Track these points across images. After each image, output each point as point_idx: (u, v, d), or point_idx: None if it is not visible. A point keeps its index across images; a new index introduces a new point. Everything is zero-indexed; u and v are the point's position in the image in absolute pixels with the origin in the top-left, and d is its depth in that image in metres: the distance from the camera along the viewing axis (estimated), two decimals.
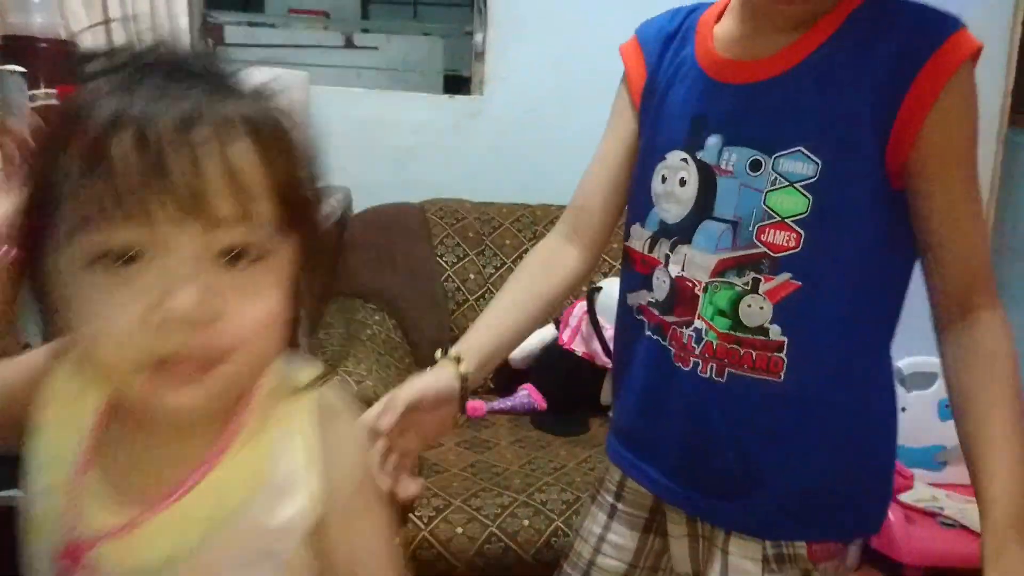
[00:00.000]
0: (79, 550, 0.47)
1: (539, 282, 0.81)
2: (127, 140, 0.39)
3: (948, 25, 0.63)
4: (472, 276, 1.65)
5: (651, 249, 0.74)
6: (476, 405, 1.52)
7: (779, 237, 0.66)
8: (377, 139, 1.81)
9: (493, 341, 0.77)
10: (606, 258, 1.69)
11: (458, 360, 0.73)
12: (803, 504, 0.70)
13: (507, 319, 0.79)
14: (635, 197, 0.77)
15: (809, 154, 0.64)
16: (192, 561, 0.47)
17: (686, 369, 0.71)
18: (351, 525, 0.50)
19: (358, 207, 1.72)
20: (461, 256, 1.66)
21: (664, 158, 0.72)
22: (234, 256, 0.42)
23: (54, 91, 1.44)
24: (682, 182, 0.70)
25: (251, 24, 2.25)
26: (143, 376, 0.42)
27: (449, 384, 0.71)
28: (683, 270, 0.71)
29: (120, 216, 0.40)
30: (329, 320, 1.35)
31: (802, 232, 0.65)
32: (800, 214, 0.65)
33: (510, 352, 0.84)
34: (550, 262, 0.82)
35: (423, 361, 1.53)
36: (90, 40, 1.59)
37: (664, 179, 0.72)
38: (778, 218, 0.65)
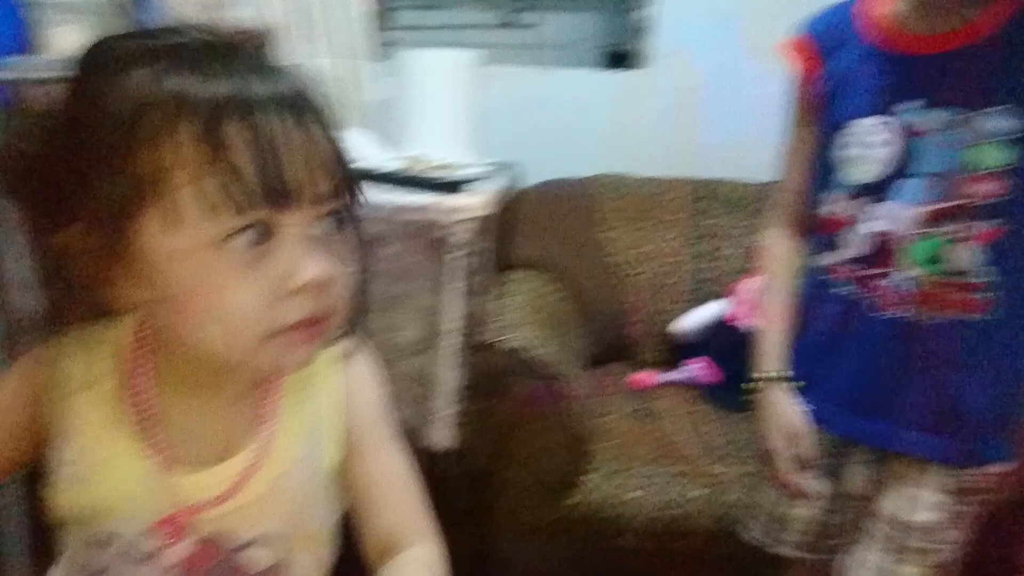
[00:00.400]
0: (181, 518, 0.51)
1: (786, 273, 0.92)
2: (243, 131, 0.43)
3: None
4: (636, 251, 1.65)
5: (846, 210, 0.81)
6: (643, 377, 1.53)
7: (984, 187, 0.74)
8: (547, 115, 1.85)
9: (784, 344, 0.89)
10: None
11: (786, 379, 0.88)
12: (998, 431, 0.79)
13: (781, 317, 0.90)
14: (825, 166, 0.84)
15: (1015, 109, 0.72)
16: (271, 510, 0.53)
17: (883, 316, 0.78)
18: (373, 455, 0.55)
19: (530, 181, 1.76)
20: (626, 231, 1.66)
21: (856, 125, 0.79)
22: (335, 225, 0.47)
23: None
24: (882, 143, 0.77)
25: (420, 7, 2.35)
26: (264, 344, 0.46)
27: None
28: (884, 224, 0.78)
29: (249, 200, 0.43)
30: (506, 289, 1.40)
31: (1008, 180, 0.73)
32: (1006, 164, 0.73)
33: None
34: (785, 251, 0.92)
35: (592, 333, 1.56)
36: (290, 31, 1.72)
37: (858, 144, 0.79)
38: (983, 169, 0.73)
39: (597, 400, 1.42)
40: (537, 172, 1.77)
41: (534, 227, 1.64)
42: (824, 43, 0.84)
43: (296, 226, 0.45)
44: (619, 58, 1.98)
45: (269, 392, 0.54)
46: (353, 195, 0.49)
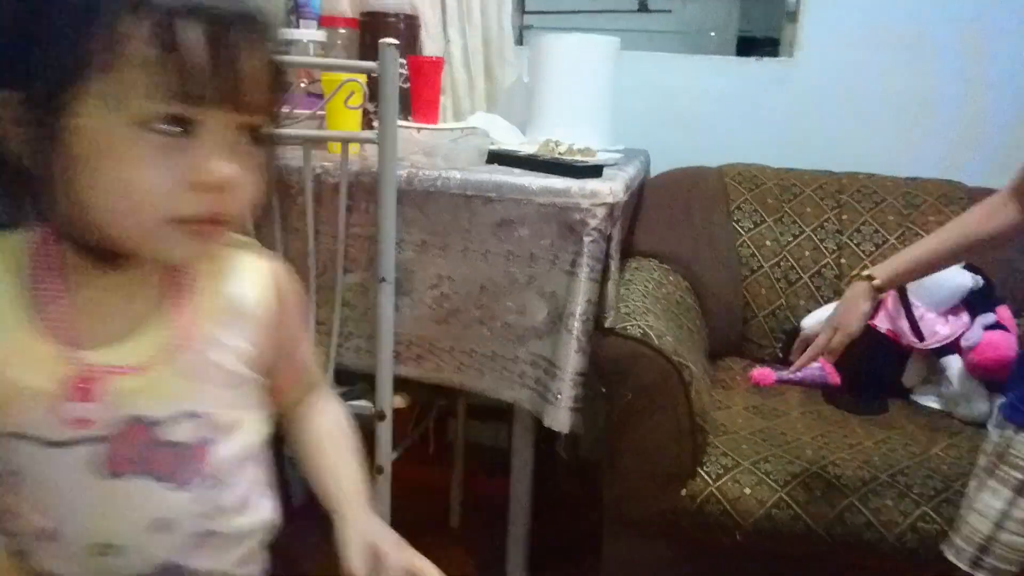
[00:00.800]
0: (89, 383, 0.53)
1: (970, 221, 0.98)
2: (198, 30, 0.46)
3: None
4: (768, 243, 1.62)
5: None
6: (764, 373, 1.51)
7: None
8: (677, 103, 1.83)
9: (906, 261, 1.02)
10: (923, 234, 1.58)
11: (870, 278, 1.02)
12: None
13: (926, 243, 1.01)
14: None
15: None
16: (171, 381, 0.56)
17: None
18: (289, 323, 0.64)
19: (656, 170, 1.76)
20: (758, 222, 1.63)
21: None
22: (253, 141, 0.52)
23: (403, 60, 1.63)
24: None
25: None
26: (173, 229, 0.50)
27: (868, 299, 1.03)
28: None
29: (183, 93, 0.47)
30: (628, 277, 1.41)
31: None
32: None
33: (928, 274, 1.05)
34: (989, 209, 0.96)
35: (713, 325, 1.55)
36: (431, 15, 1.78)
37: None
38: None
39: (717, 394, 1.42)
40: (668, 159, 1.77)
41: (661, 215, 1.63)
42: None
43: (216, 129, 0.50)
44: (757, 45, 1.93)
45: (182, 277, 0.58)
46: (275, 118, 0.54)
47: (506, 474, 1.42)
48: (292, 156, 1.16)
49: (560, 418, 1.15)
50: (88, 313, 0.55)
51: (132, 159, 0.48)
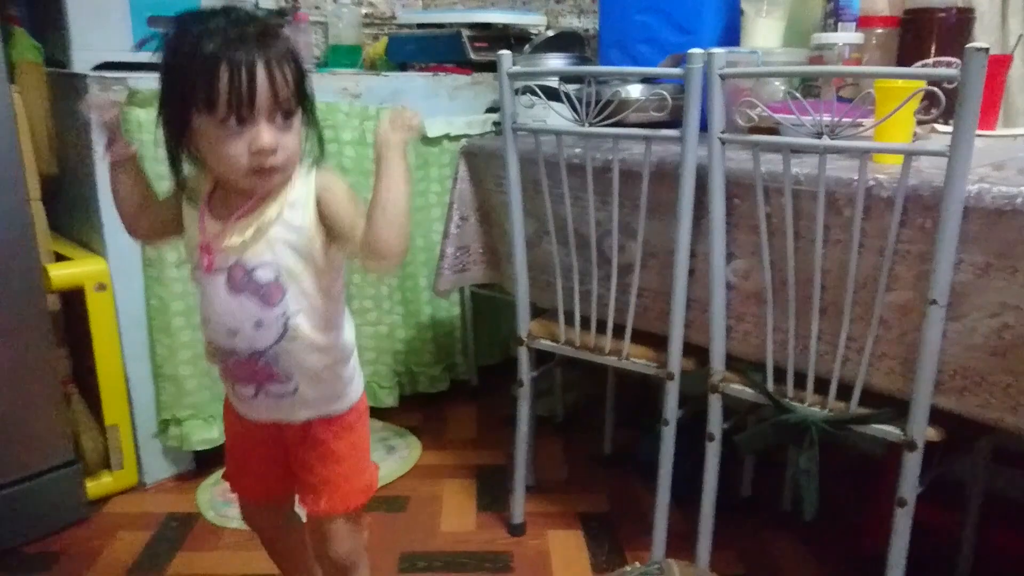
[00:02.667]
0: (207, 245, 1.00)
1: None
2: (238, 76, 0.88)
3: None
4: None
5: None
6: None
7: None
8: None
9: None
10: None
11: None
12: None
13: None
14: None
15: None
16: (256, 246, 0.99)
17: None
18: (334, 198, 1.00)
19: None
20: None
21: None
22: (284, 117, 0.93)
23: (954, 60, 1.49)
24: None
25: None
26: (247, 175, 0.93)
27: None
28: None
29: (237, 106, 0.89)
30: None
31: None
32: None
33: None
34: None
35: None
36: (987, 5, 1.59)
37: None
38: None
39: None
40: None
41: None
42: None
43: (259, 118, 0.91)
44: None
45: (266, 194, 0.98)
46: (301, 101, 0.96)
47: None
48: (842, 167, 1.13)
49: None
50: (221, 211, 1.01)
51: (223, 142, 0.91)
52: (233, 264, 0.99)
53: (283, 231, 0.98)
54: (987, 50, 0.99)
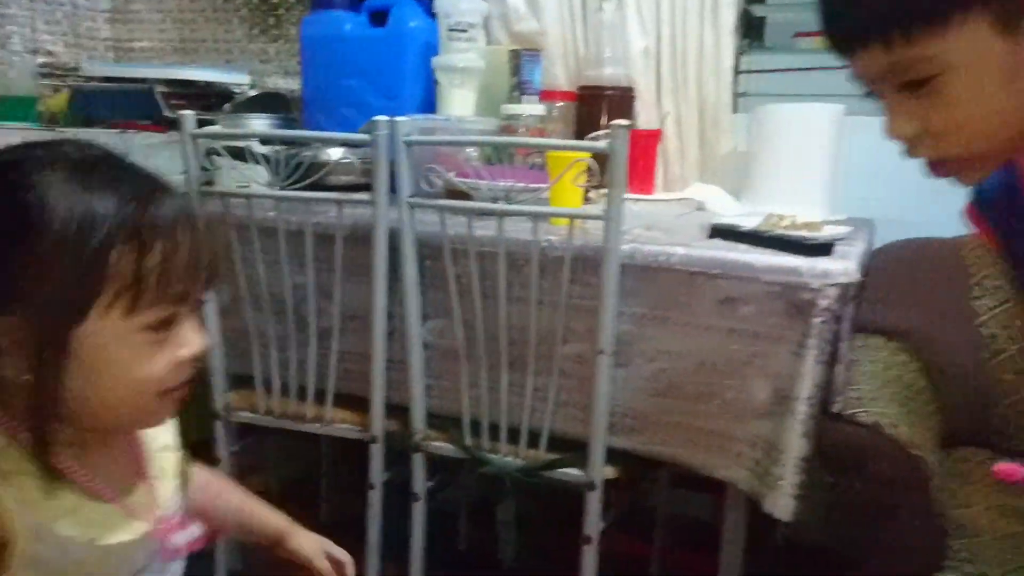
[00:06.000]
0: (164, 534, 0.69)
1: None
2: (165, 252, 0.58)
3: None
4: (1016, 323, 1.47)
5: None
6: (1011, 468, 1.36)
7: None
8: (905, 168, 1.73)
9: None
10: None
11: None
12: None
13: None
14: None
15: None
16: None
17: None
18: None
19: (881, 240, 1.67)
20: (1003, 300, 1.49)
21: None
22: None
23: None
24: None
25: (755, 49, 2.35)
26: (154, 402, 0.62)
27: None
28: None
29: (170, 297, 0.60)
30: (854, 357, 1.34)
31: None
32: None
33: None
34: None
35: (949, 411, 1.43)
36: (646, 86, 1.81)
37: None
38: None
39: (954, 487, 1.30)
40: (894, 229, 1.67)
41: (888, 289, 1.53)
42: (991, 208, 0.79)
43: (188, 312, 0.62)
44: None
45: (133, 442, 0.70)
46: (213, 286, 0.66)
47: (710, 549, 1.37)
48: (521, 230, 1.22)
49: (782, 504, 1.11)
50: (106, 479, 0.65)
51: (133, 357, 0.60)
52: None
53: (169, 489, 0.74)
54: (628, 127, 1.12)
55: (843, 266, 1.10)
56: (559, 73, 1.86)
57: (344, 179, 1.46)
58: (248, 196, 1.36)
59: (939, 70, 0.70)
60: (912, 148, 0.80)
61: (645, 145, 1.64)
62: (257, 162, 1.37)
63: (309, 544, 0.86)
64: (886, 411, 1.16)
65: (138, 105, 2.11)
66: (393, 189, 1.29)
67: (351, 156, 1.40)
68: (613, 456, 1.26)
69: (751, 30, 2.58)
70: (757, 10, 2.00)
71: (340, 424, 1.44)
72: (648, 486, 1.70)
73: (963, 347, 1.48)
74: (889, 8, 0.70)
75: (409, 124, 1.26)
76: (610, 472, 1.26)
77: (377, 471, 1.40)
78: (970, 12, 0.68)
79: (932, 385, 1.44)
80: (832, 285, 1.08)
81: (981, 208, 0.98)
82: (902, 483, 1.05)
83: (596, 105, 1.75)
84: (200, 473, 0.82)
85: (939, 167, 0.79)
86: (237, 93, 2.16)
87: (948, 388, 1.44)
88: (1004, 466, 1.37)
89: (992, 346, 1.48)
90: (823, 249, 1.13)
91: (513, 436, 1.29)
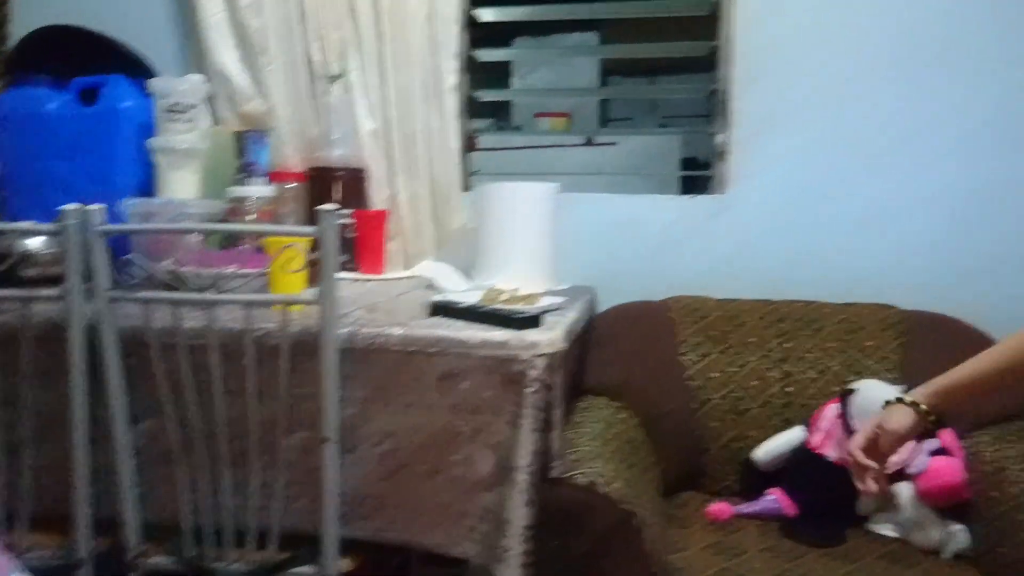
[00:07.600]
0: None
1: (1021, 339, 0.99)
2: None
3: None
4: (716, 374, 1.64)
5: None
6: (721, 508, 1.49)
7: None
8: (620, 239, 1.89)
9: (947, 379, 1.03)
10: (862, 359, 1.62)
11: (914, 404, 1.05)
12: None
13: (971, 364, 1.02)
14: None
15: None
16: None
17: None
18: None
19: (605, 304, 1.80)
20: (705, 354, 1.66)
21: None
22: None
23: (349, 212, 1.67)
24: None
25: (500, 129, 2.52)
26: None
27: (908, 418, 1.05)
28: None
29: None
30: (578, 419, 1.41)
31: None
32: None
33: (974, 392, 1.03)
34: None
35: (667, 460, 1.55)
36: (376, 168, 1.84)
37: None
38: None
39: (673, 533, 1.40)
40: (615, 294, 1.81)
41: (609, 351, 1.66)
42: None
43: None
44: (696, 182, 2.02)
45: None
46: None
47: None
48: (235, 318, 1.16)
49: (510, 574, 1.13)
50: None
51: None
52: None
53: None
54: (334, 211, 1.12)
55: (549, 336, 1.16)
56: (290, 153, 1.84)
57: (48, 271, 1.33)
58: None
59: None
60: None
61: (374, 226, 1.65)
62: None
63: None
64: (603, 469, 1.23)
65: None
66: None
67: (25, 248, 1.28)
68: (351, 546, 1.22)
69: (499, 110, 2.76)
70: (492, 95, 2.12)
71: (41, 550, 1.26)
72: (398, 571, 1.66)
73: (674, 399, 1.62)
74: None
75: (101, 212, 1.17)
76: (346, 564, 1.21)
77: None
78: None
79: (650, 438, 1.56)
80: (539, 355, 1.13)
81: None
82: (614, 536, 1.11)
83: (326, 186, 1.74)
84: None
85: None
86: None
87: (664, 438, 1.57)
88: (715, 506, 1.51)
89: (699, 396, 1.64)
90: (532, 321, 1.19)
91: (241, 539, 1.21)
